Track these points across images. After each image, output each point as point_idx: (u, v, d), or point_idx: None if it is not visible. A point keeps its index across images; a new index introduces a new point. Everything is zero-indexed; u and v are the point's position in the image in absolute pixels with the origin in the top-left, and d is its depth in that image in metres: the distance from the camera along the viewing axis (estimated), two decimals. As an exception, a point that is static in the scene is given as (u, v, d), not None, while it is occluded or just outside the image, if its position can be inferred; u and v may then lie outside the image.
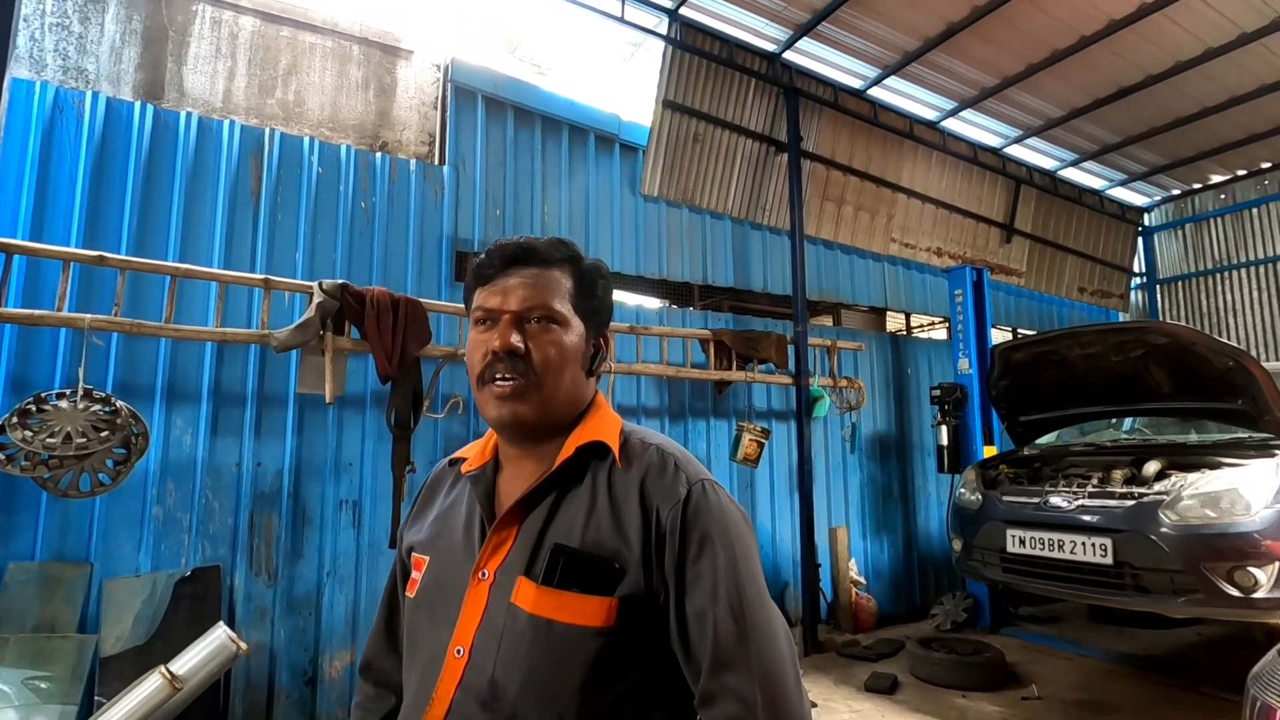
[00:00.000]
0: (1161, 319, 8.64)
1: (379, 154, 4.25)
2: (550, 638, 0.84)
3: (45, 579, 3.06)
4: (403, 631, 1.04)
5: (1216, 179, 8.11)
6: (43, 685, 2.91)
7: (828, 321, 6.87)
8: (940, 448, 5.75)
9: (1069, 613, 5.82)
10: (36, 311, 2.97)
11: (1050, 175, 7.72)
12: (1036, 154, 7.42)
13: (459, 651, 0.88)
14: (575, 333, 0.97)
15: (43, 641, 2.97)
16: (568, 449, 0.94)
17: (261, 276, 3.50)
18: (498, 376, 0.92)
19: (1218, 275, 8.28)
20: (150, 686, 2.62)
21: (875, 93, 6.12)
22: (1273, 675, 1.10)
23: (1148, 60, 5.69)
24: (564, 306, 0.97)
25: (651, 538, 0.87)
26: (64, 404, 2.90)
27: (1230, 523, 3.20)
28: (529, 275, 0.97)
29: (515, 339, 0.92)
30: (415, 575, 1.00)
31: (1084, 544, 3.59)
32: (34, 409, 2.85)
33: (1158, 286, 8.89)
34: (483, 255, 1.01)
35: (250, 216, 3.79)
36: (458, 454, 1.10)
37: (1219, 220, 8.31)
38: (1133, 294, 9.00)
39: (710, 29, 5.29)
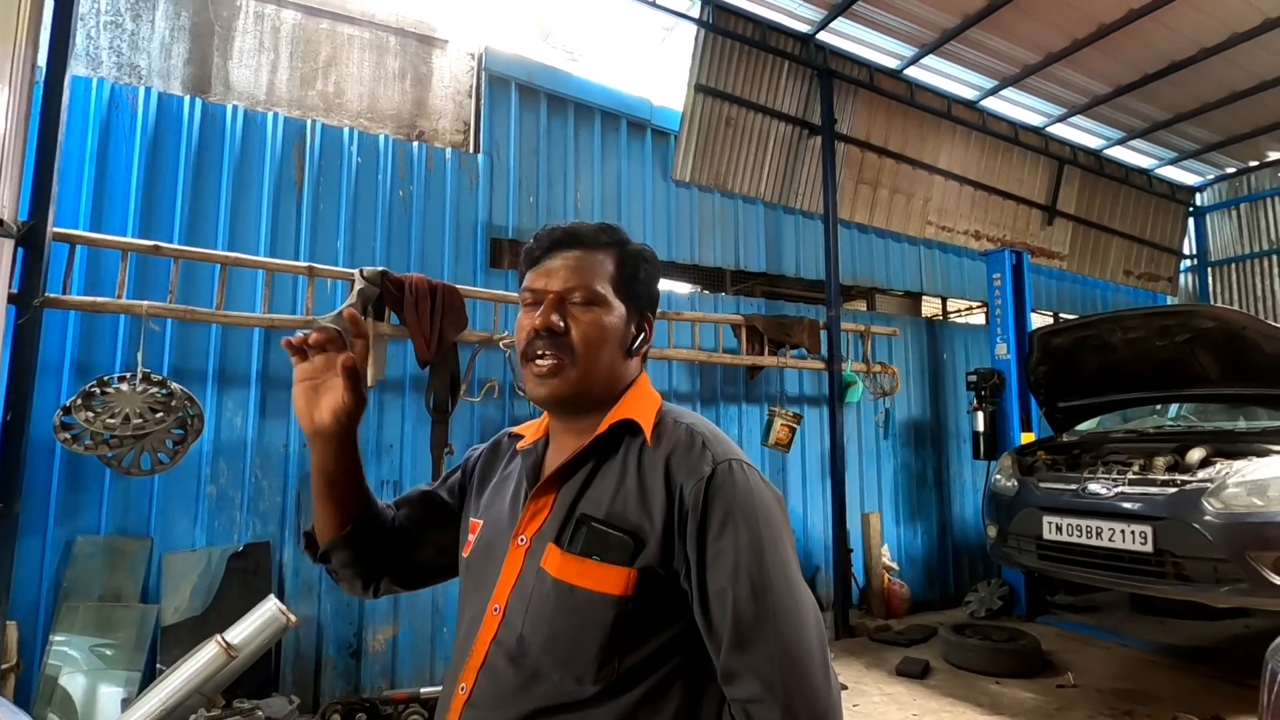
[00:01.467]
0: (1212, 303, 8.33)
1: (416, 143, 4.34)
2: (572, 602, 0.89)
3: (110, 552, 3.24)
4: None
5: (1274, 156, 7.75)
6: (108, 652, 3.10)
7: (861, 306, 6.79)
8: (976, 434, 5.67)
9: (1109, 602, 5.72)
10: (98, 299, 3.13)
11: (1095, 154, 7.47)
12: (1081, 133, 7.18)
13: (496, 609, 0.94)
14: (616, 314, 1.01)
15: (109, 610, 3.16)
16: (603, 425, 0.98)
17: (305, 264, 3.62)
18: (538, 354, 0.97)
19: (1275, 257, 7.94)
20: (207, 654, 2.77)
21: (912, 72, 6.00)
22: None
23: (1200, 32, 5.46)
24: (605, 288, 1.00)
25: (674, 514, 0.89)
26: (124, 387, 3.05)
27: (1277, 511, 3.12)
28: (572, 258, 1.01)
29: (555, 318, 0.97)
30: (470, 538, 1.07)
31: (1123, 531, 3.54)
32: (97, 391, 3.01)
33: (1209, 269, 8.57)
34: (531, 240, 1.06)
35: (294, 206, 3.91)
36: (518, 429, 1.16)
37: (1276, 199, 7.95)
38: (1182, 277, 8.69)
39: (743, 11, 5.23)
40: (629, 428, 0.99)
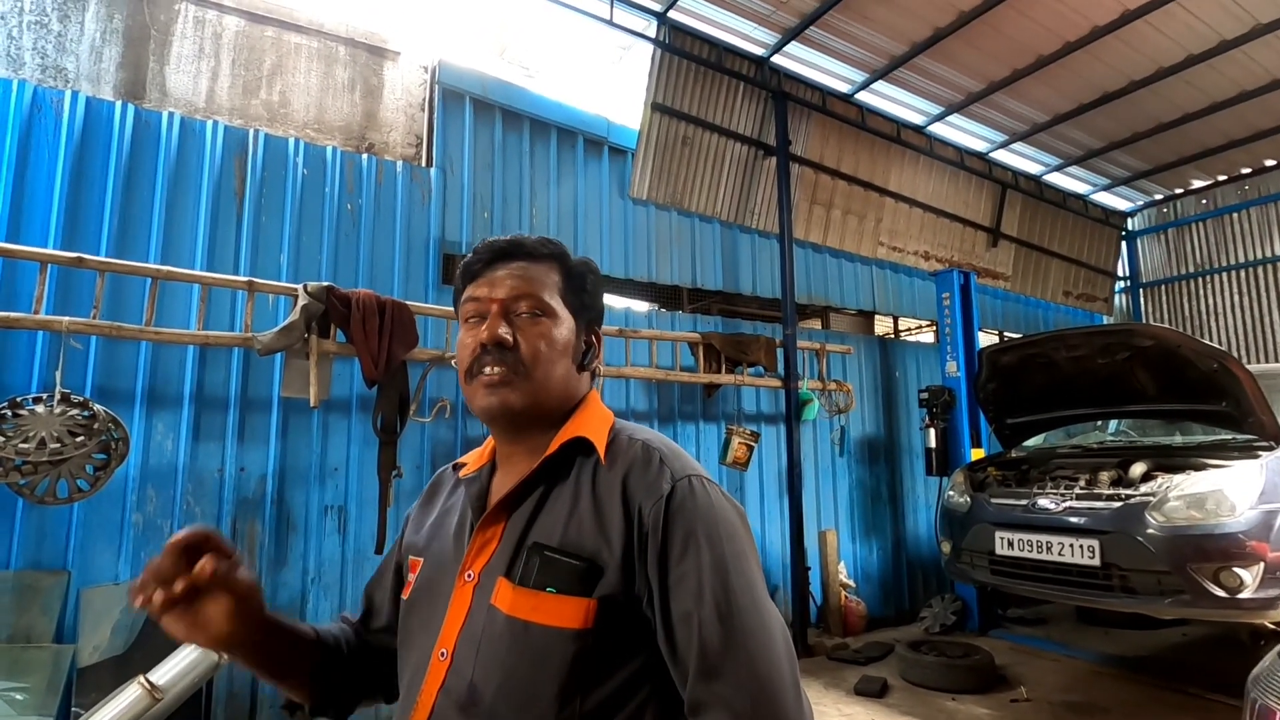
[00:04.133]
0: (1146, 322, 8.73)
1: (365, 155, 4.21)
2: (527, 640, 0.82)
3: (20, 588, 2.99)
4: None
5: (1198, 184, 8.22)
6: (18, 697, 2.84)
7: (817, 325, 6.89)
8: (929, 450, 5.76)
9: (1057, 614, 5.85)
10: (12, 314, 2.90)
11: (1036, 180, 7.79)
12: (1022, 159, 7.48)
13: (442, 654, 0.86)
14: (565, 326, 0.96)
15: (18, 652, 2.90)
16: (553, 445, 0.92)
17: (245, 279, 3.46)
18: (486, 369, 0.91)
19: (1200, 279, 8.38)
20: (129, 697, 2.56)
21: (863, 97, 6.15)
22: (1273, 677, 1.10)
23: (1131, 66, 5.75)
24: (553, 299, 0.96)
25: (634, 536, 0.84)
26: (40, 408, 2.83)
27: (1216, 524, 3.22)
28: (517, 268, 0.96)
29: (504, 330, 0.91)
30: (410, 578, 0.99)
31: (1071, 545, 3.61)
32: (9, 414, 2.79)
33: (1141, 290, 8.99)
34: (470, 254, 1.01)
35: (234, 218, 3.74)
36: (461, 459, 1.09)
37: (1201, 225, 8.42)
38: (1117, 297, 9.09)
39: (699, 33, 5.29)
40: (581, 446, 0.93)
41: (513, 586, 0.84)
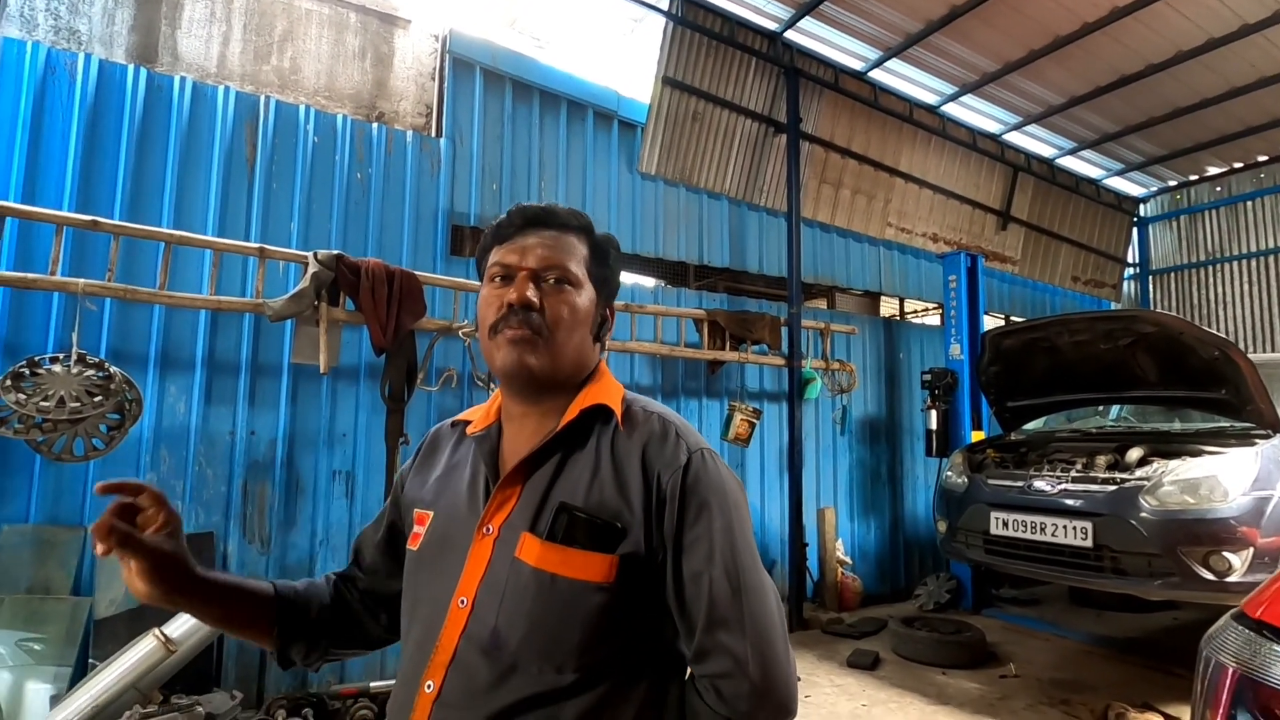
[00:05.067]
0: (1152, 309, 8.70)
1: (375, 124, 4.22)
2: (553, 591, 0.88)
3: (39, 542, 3.08)
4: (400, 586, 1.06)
5: (1213, 171, 8.12)
6: (37, 647, 2.94)
7: (822, 304, 6.89)
8: (929, 432, 5.81)
9: (1049, 595, 5.94)
10: (29, 275, 2.96)
11: (1048, 163, 7.72)
12: (1035, 141, 7.40)
13: (462, 602, 0.91)
14: (587, 296, 1.01)
15: (37, 604, 3.00)
16: (572, 411, 0.97)
17: (256, 245, 3.49)
18: (510, 326, 0.95)
19: (1211, 267, 8.32)
20: (144, 648, 2.66)
21: (876, 75, 6.09)
22: (1225, 636, 1.15)
23: (1149, 49, 5.67)
24: (579, 270, 1.00)
25: (652, 501, 0.91)
26: (57, 368, 2.90)
27: (1208, 509, 3.27)
28: (548, 236, 1.00)
29: (531, 293, 0.95)
30: (418, 530, 1.03)
31: (1065, 527, 3.66)
32: (27, 372, 2.85)
33: (1151, 277, 8.94)
34: (504, 216, 1.04)
35: (245, 184, 3.76)
36: (460, 416, 1.13)
37: (1214, 212, 8.34)
38: (1126, 284, 9.04)
39: (711, 5, 5.23)
40: (599, 414, 0.99)
41: (540, 541, 0.90)
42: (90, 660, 2.99)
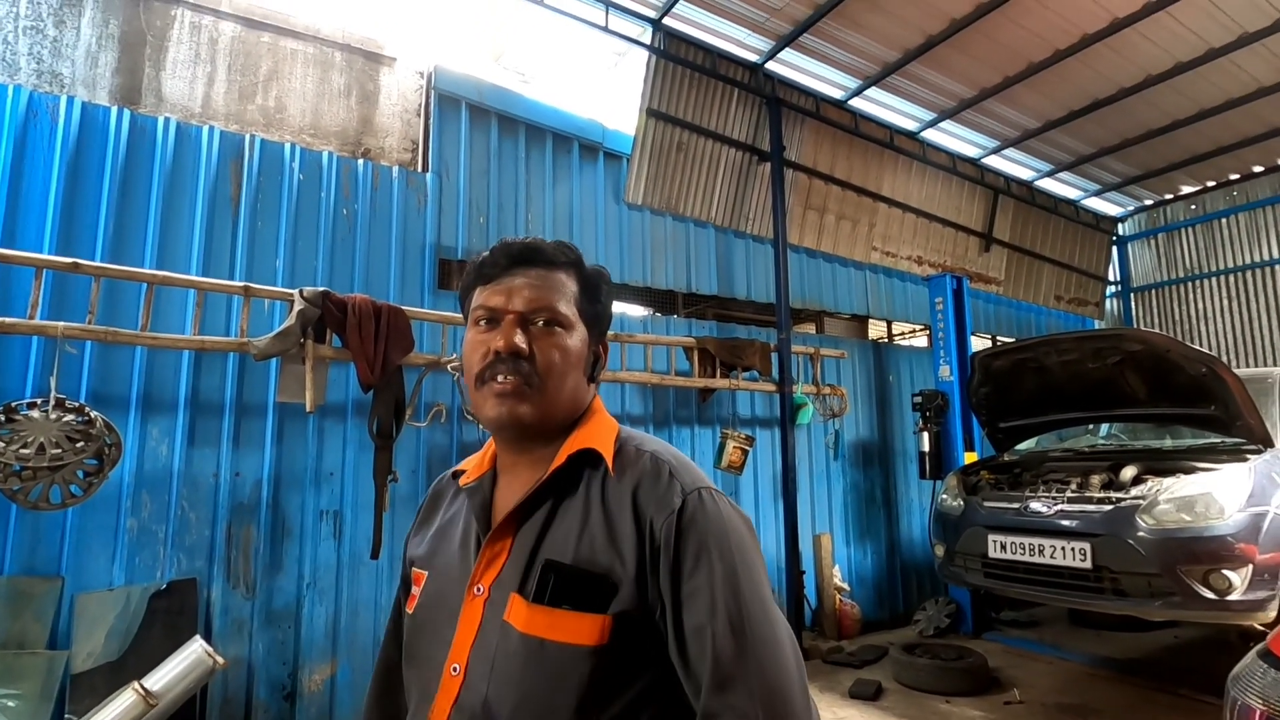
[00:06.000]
0: (1136, 326, 8.80)
1: (361, 161, 4.22)
2: (543, 657, 0.82)
3: (14, 593, 2.97)
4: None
5: (1187, 190, 8.30)
6: (11, 704, 2.83)
7: (811, 329, 6.92)
8: (922, 454, 5.80)
9: (1049, 617, 5.88)
10: (7, 319, 2.90)
11: (1027, 185, 7.85)
12: (1014, 164, 7.54)
13: (454, 669, 0.86)
14: (579, 337, 0.95)
15: (11, 658, 2.89)
16: (560, 457, 0.91)
17: (241, 284, 3.46)
18: (499, 377, 0.89)
19: (1189, 284, 8.45)
20: (123, 703, 2.56)
21: (856, 103, 6.20)
22: (1251, 676, 1.12)
23: (1120, 73, 5.82)
24: (569, 309, 0.94)
25: (646, 551, 0.84)
26: (35, 414, 2.83)
27: (1205, 526, 3.26)
28: (535, 276, 0.94)
29: (519, 340, 0.89)
30: (415, 591, 0.98)
31: (1063, 548, 3.64)
32: (4, 419, 2.78)
33: (1132, 294, 9.06)
34: (486, 253, 0.98)
35: (230, 223, 3.74)
36: (460, 466, 1.07)
37: (1190, 230, 8.50)
38: (1108, 302, 9.16)
39: (694, 39, 5.32)
40: (589, 458, 0.92)
41: (527, 603, 0.84)
42: (67, 716, 2.89)
